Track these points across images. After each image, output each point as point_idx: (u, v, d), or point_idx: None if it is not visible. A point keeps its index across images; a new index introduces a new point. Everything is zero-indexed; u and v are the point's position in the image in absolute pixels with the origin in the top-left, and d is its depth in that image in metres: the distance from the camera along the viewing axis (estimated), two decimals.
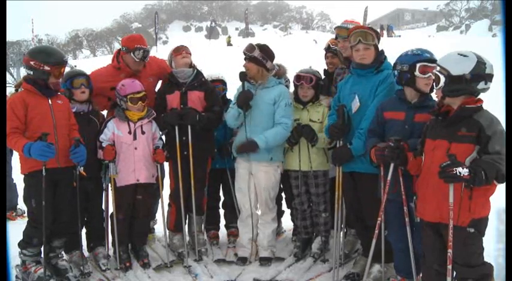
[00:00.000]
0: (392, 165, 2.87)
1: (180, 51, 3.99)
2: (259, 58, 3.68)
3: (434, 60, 2.88)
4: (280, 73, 3.92)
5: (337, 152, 3.42)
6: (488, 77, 2.48)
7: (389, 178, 2.92)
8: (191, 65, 4.01)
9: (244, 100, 3.67)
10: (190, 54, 4.03)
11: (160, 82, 4.25)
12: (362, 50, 3.28)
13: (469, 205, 2.50)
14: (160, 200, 4.04)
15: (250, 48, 3.70)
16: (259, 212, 3.99)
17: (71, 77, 3.72)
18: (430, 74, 2.87)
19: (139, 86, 3.77)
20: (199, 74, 4.05)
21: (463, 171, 2.31)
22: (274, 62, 3.87)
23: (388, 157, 2.82)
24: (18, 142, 3.17)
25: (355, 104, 3.34)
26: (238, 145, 3.74)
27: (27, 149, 3.12)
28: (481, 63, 2.47)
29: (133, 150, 3.78)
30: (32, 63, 3.29)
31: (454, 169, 2.32)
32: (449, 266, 2.47)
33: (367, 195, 3.38)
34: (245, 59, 3.73)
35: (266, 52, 3.72)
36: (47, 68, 3.29)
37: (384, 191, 2.96)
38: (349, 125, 3.35)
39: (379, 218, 3.00)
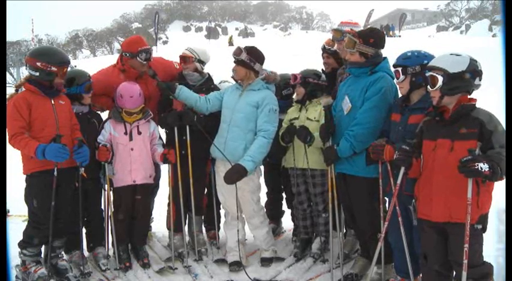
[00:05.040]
0: (403, 169, 2.81)
1: (179, 64, 4.14)
2: (247, 61, 3.65)
3: (399, 65, 2.97)
4: (270, 78, 3.77)
5: (325, 152, 3.44)
6: (481, 74, 2.59)
7: (399, 181, 2.86)
8: (197, 70, 4.07)
9: (165, 85, 3.74)
10: (191, 63, 4.06)
11: None
12: (348, 54, 3.38)
13: (477, 200, 2.52)
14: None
15: (237, 51, 3.68)
16: (244, 216, 3.95)
17: (84, 81, 3.69)
18: (402, 77, 2.95)
19: (138, 101, 3.76)
20: (209, 80, 4.12)
21: (484, 166, 2.31)
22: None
23: (401, 161, 2.77)
24: (29, 143, 3.18)
25: (346, 105, 3.36)
26: (226, 177, 3.52)
27: (41, 150, 3.13)
28: (473, 60, 2.59)
29: (130, 151, 3.78)
30: (38, 64, 3.29)
31: (476, 164, 2.32)
32: (465, 261, 2.46)
33: (357, 198, 3.39)
34: (234, 62, 3.73)
35: (254, 54, 3.69)
36: (54, 68, 3.30)
37: (394, 194, 2.91)
38: (333, 125, 3.37)
39: (386, 222, 2.96)
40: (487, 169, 2.31)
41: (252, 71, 3.70)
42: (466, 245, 2.46)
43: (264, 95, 3.68)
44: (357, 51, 3.27)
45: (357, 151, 3.24)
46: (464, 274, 2.48)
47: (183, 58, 4.09)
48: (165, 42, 49.21)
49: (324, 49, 4.19)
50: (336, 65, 4.05)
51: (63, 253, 3.74)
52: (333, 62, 4.09)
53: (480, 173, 2.33)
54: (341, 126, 3.37)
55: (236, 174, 3.50)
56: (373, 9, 37.87)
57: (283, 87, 4.22)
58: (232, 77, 3.84)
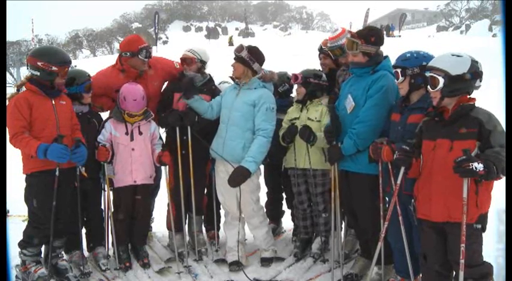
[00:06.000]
0: (403, 169, 2.80)
1: (179, 64, 4.15)
2: (246, 58, 3.66)
3: (399, 66, 2.96)
4: (267, 77, 3.76)
5: (329, 151, 3.45)
6: (481, 75, 2.59)
7: (399, 181, 2.86)
8: (200, 71, 4.07)
9: (186, 86, 3.72)
10: (195, 64, 4.05)
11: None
12: (351, 56, 3.37)
13: (476, 200, 2.52)
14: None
15: (239, 48, 3.70)
16: (243, 216, 3.93)
17: (84, 81, 3.70)
18: (401, 78, 2.94)
19: (142, 104, 3.75)
20: (210, 81, 4.13)
21: (479, 166, 2.31)
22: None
23: (401, 161, 2.76)
24: (30, 142, 3.18)
25: (349, 104, 3.36)
26: (230, 180, 3.54)
27: (43, 150, 3.13)
28: (474, 61, 2.58)
29: (131, 151, 3.77)
30: (39, 64, 3.29)
31: (470, 164, 2.31)
32: (462, 261, 2.47)
33: (359, 195, 3.39)
34: (234, 58, 3.74)
35: (254, 54, 3.70)
36: (55, 68, 3.30)
37: (394, 194, 2.91)
38: (338, 125, 3.37)
39: (387, 222, 2.96)
40: (482, 169, 2.31)
41: (249, 69, 3.70)
42: (463, 245, 2.46)
43: (260, 93, 3.68)
44: (360, 51, 3.28)
45: (360, 149, 3.26)
46: (461, 273, 2.48)
47: (185, 60, 4.07)
48: (165, 42, 49.24)
49: (320, 50, 4.20)
50: (333, 65, 4.05)
51: (63, 253, 3.74)
52: (330, 62, 4.09)
53: (475, 173, 2.33)
54: (345, 125, 3.38)
55: (240, 176, 3.51)
56: (369, 8, 37.73)
57: (278, 84, 4.21)
58: (231, 76, 3.84)
